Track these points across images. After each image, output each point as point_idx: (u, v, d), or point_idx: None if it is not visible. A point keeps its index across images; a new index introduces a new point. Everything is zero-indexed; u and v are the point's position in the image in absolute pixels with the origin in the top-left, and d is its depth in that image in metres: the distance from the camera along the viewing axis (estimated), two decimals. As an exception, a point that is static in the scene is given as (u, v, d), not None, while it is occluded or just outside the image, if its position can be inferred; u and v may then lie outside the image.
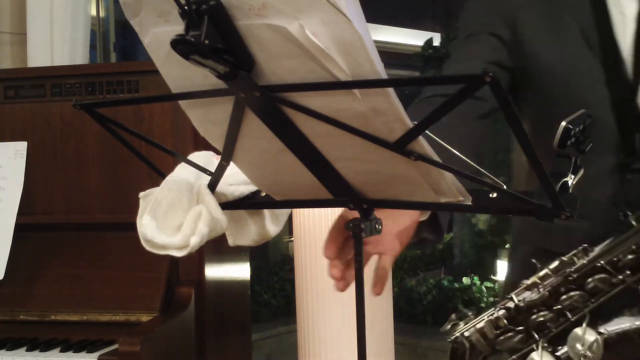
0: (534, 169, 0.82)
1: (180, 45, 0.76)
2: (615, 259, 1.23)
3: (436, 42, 8.07)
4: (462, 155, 0.91)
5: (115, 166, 2.15)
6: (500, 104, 0.72)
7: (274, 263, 6.05)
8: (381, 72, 0.77)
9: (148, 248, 1.05)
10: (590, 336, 1.23)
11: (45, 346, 1.89)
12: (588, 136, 0.98)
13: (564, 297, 1.25)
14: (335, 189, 0.97)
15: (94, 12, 2.88)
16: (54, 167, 2.21)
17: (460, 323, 1.33)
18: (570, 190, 0.90)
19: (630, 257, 1.23)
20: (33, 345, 1.90)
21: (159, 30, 0.84)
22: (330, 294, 2.20)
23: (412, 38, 8.54)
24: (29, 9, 2.65)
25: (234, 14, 0.77)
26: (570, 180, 0.91)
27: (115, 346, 1.81)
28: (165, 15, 0.81)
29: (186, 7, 0.75)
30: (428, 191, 0.91)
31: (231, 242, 1.15)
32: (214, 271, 2.16)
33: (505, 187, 0.86)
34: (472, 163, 0.94)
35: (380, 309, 2.31)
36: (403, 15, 8.28)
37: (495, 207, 0.92)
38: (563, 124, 0.96)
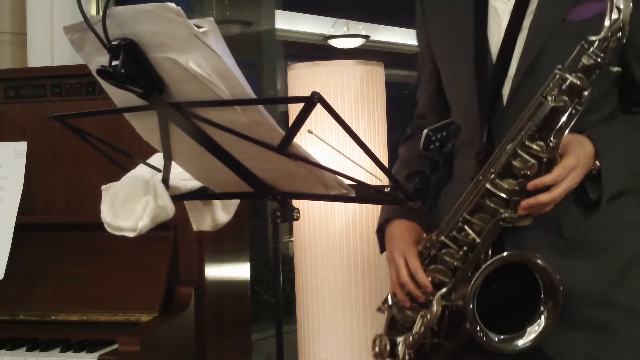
0: (384, 173, 1.02)
1: (102, 74, 1.00)
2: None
3: (436, 42, 8.03)
4: (357, 163, 1.14)
5: (115, 166, 2.15)
6: (332, 117, 0.96)
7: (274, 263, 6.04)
8: (250, 93, 0.98)
9: (108, 229, 1.28)
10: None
11: (46, 346, 1.89)
12: (450, 140, 1.12)
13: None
14: (253, 183, 1.17)
15: (94, 12, 2.87)
16: (54, 167, 2.21)
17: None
18: (430, 185, 1.10)
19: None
20: (33, 345, 1.90)
21: (99, 60, 1.05)
22: (330, 294, 2.20)
23: (412, 38, 8.52)
24: (29, 9, 2.64)
25: (145, 49, 0.99)
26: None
27: (115, 346, 1.81)
28: (101, 49, 1.03)
29: (107, 44, 1.00)
30: (318, 185, 1.12)
31: (195, 227, 1.36)
32: (214, 271, 2.16)
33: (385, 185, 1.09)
34: (361, 166, 1.13)
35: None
36: (403, 15, 8.26)
37: (371, 198, 1.21)
38: (425, 131, 1.12)
